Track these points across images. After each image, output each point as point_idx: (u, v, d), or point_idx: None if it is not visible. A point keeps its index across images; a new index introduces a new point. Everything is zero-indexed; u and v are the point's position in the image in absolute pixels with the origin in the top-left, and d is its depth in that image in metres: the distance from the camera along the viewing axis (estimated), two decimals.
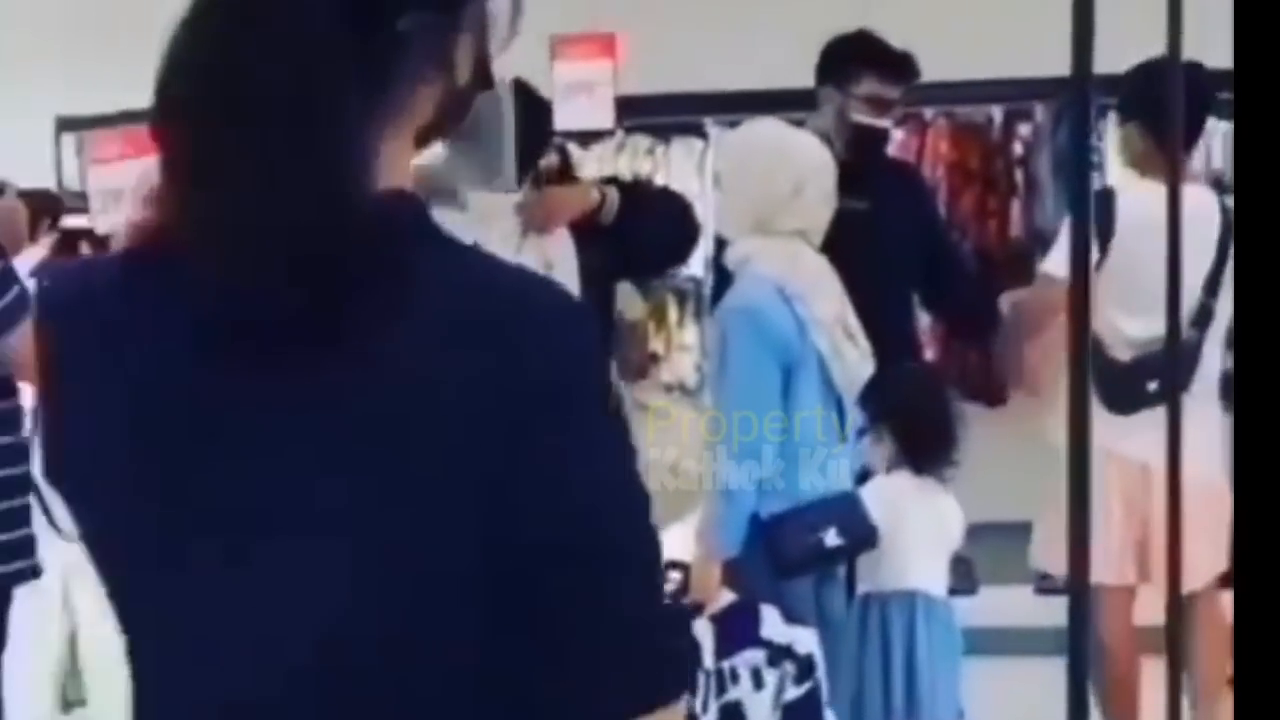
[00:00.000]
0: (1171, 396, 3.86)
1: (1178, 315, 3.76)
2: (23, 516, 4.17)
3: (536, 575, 1.60)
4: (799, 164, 4.63)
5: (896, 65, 5.46)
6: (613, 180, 5.62)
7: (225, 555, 1.63)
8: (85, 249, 5.17)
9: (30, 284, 4.35)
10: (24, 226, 4.29)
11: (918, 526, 4.87)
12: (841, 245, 4.69)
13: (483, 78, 1.74)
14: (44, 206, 4.69)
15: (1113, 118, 5.93)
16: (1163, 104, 3.67)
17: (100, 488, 1.68)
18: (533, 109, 4.96)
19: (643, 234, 5.01)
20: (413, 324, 1.58)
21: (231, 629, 1.64)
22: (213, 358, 1.59)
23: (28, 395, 4.14)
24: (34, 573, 4.25)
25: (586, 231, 4.93)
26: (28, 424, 4.15)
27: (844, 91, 5.43)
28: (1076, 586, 2.63)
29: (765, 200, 4.60)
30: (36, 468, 4.19)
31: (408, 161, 1.73)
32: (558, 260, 4.88)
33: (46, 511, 4.23)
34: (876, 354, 4.69)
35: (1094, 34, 2.59)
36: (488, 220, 4.78)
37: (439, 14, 1.69)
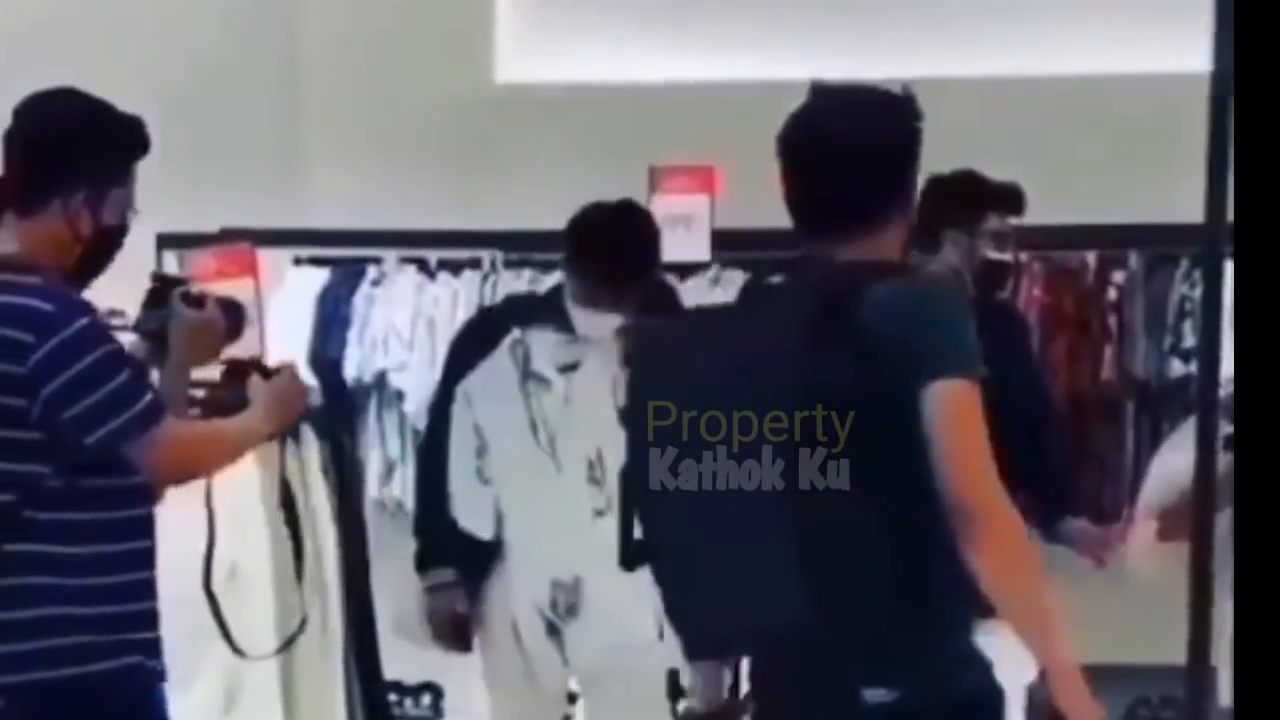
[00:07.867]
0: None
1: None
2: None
3: None
4: None
5: (1009, 198, 5.59)
6: None
7: None
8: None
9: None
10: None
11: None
12: None
13: None
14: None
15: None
16: None
17: None
18: (640, 230, 5.11)
19: None
20: None
21: None
22: None
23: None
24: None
25: None
26: None
27: (969, 231, 5.52)
28: None
29: None
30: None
31: None
32: None
33: (224, 627, 4.23)
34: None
35: (1228, 184, 2.59)
36: (590, 342, 4.99)
37: None
